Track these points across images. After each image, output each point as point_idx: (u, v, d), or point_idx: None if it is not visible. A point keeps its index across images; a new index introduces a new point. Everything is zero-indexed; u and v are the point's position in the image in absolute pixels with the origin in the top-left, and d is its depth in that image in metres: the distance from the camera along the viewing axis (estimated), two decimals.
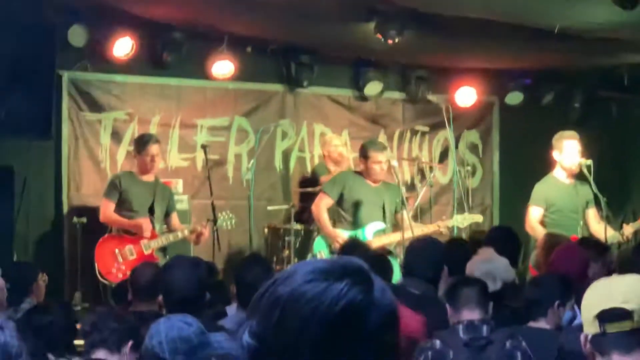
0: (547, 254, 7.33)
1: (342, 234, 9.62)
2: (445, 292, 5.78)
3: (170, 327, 4.15)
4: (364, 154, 9.95)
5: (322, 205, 9.93)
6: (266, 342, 1.70)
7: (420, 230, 9.64)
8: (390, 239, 9.68)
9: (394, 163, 9.86)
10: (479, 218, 10.73)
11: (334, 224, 9.89)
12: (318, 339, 1.66)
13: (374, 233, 9.74)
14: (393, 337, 1.75)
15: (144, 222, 9.53)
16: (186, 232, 9.70)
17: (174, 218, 9.93)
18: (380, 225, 9.79)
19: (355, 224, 9.82)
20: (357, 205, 9.84)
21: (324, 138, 11.59)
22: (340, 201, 9.92)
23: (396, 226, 9.92)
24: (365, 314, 1.69)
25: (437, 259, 6.61)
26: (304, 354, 1.66)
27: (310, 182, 11.25)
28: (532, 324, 5.51)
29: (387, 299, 1.76)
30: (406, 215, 9.67)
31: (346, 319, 1.68)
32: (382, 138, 11.78)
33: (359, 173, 10.08)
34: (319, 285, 1.70)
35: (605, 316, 3.04)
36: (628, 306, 3.04)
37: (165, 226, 9.86)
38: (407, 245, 7.10)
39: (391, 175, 10.00)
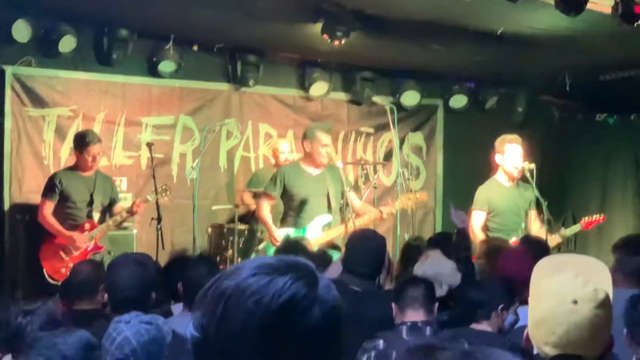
0: (488, 260, 7.40)
1: (279, 235, 9.59)
2: (393, 291, 5.81)
3: (137, 333, 4.14)
4: (310, 137, 9.86)
5: (263, 206, 9.92)
6: (210, 334, 1.71)
7: (365, 217, 9.65)
8: (336, 233, 9.66)
9: (339, 164, 9.87)
10: (423, 197, 10.70)
11: (282, 223, 9.87)
12: (260, 332, 1.67)
13: (322, 227, 9.74)
14: (336, 333, 1.77)
15: (78, 238, 9.49)
16: (124, 214, 9.66)
17: (118, 208, 9.91)
18: (326, 218, 9.79)
19: (301, 219, 9.80)
20: (300, 199, 9.82)
21: (273, 143, 11.58)
22: (284, 197, 9.90)
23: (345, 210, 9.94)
24: (307, 308, 1.71)
25: (377, 254, 6.53)
26: (246, 346, 1.68)
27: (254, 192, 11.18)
28: (474, 326, 5.55)
29: (331, 295, 1.78)
30: (350, 197, 9.72)
31: (288, 312, 1.69)
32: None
33: (298, 163, 10.04)
34: (263, 279, 1.72)
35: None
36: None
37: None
38: (346, 240, 6.92)
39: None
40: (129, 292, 5.42)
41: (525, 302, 5.88)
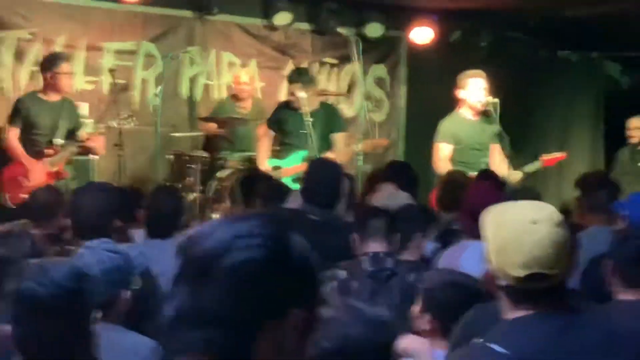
0: (447, 191, 7.45)
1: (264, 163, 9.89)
2: (354, 222, 5.84)
3: (99, 261, 4.14)
4: (290, 83, 10.16)
5: (263, 140, 10.23)
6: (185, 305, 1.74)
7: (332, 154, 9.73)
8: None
9: (301, 94, 9.85)
10: (383, 142, 10.78)
11: (272, 156, 10.12)
12: (230, 294, 1.71)
13: (301, 159, 9.82)
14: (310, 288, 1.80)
15: (36, 167, 9.40)
16: (74, 150, 9.59)
17: (82, 135, 9.84)
18: (304, 152, 9.83)
19: (286, 152, 10.02)
20: (286, 134, 10.03)
21: (235, 74, 11.54)
22: (279, 133, 10.12)
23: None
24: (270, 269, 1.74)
25: (335, 183, 6.56)
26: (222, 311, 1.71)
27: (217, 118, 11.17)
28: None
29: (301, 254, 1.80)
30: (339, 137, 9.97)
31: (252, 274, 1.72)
32: (290, 68, 11.71)
33: (289, 103, 10.15)
34: (232, 241, 1.74)
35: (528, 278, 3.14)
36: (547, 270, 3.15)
37: None
38: (304, 171, 7.00)
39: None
40: (92, 219, 5.41)
41: (477, 236, 5.96)
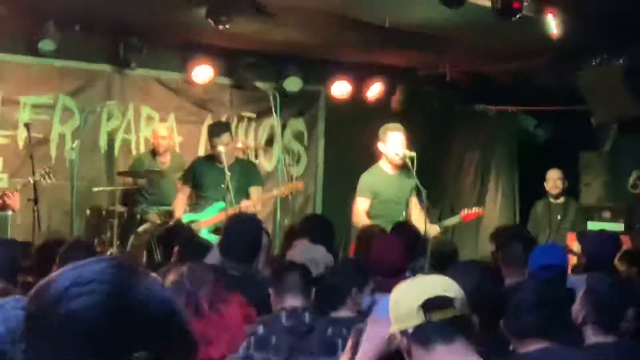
0: (361, 245, 7.49)
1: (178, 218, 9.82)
2: (270, 277, 5.84)
3: (6, 319, 4.06)
4: (210, 137, 10.18)
5: (177, 196, 10.26)
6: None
7: (243, 205, 9.73)
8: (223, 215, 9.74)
9: (220, 148, 9.87)
10: (298, 185, 10.81)
11: (190, 210, 10.13)
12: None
13: (216, 210, 9.85)
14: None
15: None
16: None
17: None
18: (221, 204, 9.81)
19: (203, 206, 10.02)
20: (204, 188, 10.03)
21: (153, 129, 11.53)
22: (195, 187, 10.14)
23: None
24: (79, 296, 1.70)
25: (253, 237, 6.56)
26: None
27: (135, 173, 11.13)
28: (333, 314, 5.49)
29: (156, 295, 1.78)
30: (254, 191, 10.02)
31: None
32: (208, 123, 11.71)
33: (208, 157, 10.31)
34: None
35: (430, 304, 3.17)
36: (449, 294, 3.20)
37: None
38: (224, 225, 6.98)
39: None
40: None
41: (387, 288, 5.99)
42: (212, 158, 10.09)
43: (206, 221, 9.79)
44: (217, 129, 10.22)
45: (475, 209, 10.58)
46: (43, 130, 11.10)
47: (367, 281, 5.71)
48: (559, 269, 6.28)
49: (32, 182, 9.68)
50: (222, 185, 9.66)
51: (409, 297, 3.25)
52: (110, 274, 1.73)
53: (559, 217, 11.50)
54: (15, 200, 9.51)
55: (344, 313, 5.48)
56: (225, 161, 9.64)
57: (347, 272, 5.71)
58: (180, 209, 10.10)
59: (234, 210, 9.28)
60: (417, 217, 9.62)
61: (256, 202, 9.82)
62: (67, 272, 1.74)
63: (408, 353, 3.26)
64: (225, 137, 9.95)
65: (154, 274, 1.80)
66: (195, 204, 10.17)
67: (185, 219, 9.79)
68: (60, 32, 10.76)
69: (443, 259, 7.59)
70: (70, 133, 11.30)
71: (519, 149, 13.85)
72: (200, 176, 10.10)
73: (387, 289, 5.90)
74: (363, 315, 5.67)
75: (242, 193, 9.86)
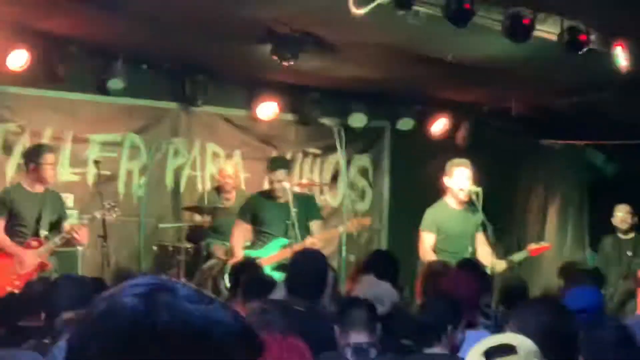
0: (427, 282, 7.44)
1: (239, 255, 9.79)
2: (335, 313, 5.82)
3: None
4: (269, 170, 10.22)
5: (235, 233, 10.18)
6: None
7: (308, 242, 9.73)
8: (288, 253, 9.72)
9: (285, 185, 9.90)
10: (366, 221, 10.81)
11: (250, 247, 10.10)
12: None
13: (279, 247, 9.88)
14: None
15: (28, 256, 9.38)
16: (57, 241, 9.55)
17: (65, 227, 9.84)
18: (283, 241, 9.87)
19: (264, 242, 10.03)
20: (264, 224, 10.04)
21: (220, 167, 11.61)
22: (254, 223, 10.12)
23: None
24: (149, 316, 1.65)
25: (319, 274, 6.53)
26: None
27: (201, 209, 11.21)
28: (427, 350, 5.50)
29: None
30: (316, 226, 10.10)
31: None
32: None
33: (266, 193, 10.34)
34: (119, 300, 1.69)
35: (492, 352, 3.17)
36: (514, 342, 3.20)
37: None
38: (289, 261, 6.95)
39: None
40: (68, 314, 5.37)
41: (469, 325, 5.95)
42: (270, 193, 10.16)
43: (269, 258, 9.79)
44: (273, 164, 10.30)
45: (542, 244, 10.52)
46: (111, 167, 11.23)
47: (461, 318, 5.67)
48: (595, 311, 6.15)
49: (99, 217, 9.76)
50: (287, 221, 9.68)
51: (476, 347, 3.27)
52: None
53: (629, 253, 11.34)
54: (83, 235, 9.61)
55: (437, 350, 5.45)
56: (285, 196, 9.70)
57: (442, 309, 5.66)
58: (239, 245, 10.09)
59: (299, 247, 9.28)
60: (484, 253, 9.55)
61: (321, 238, 9.82)
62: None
63: None
64: (279, 173, 10.04)
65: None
66: (256, 240, 10.17)
67: (247, 254, 9.80)
68: (128, 70, 10.92)
69: (512, 296, 7.53)
70: (138, 170, 11.43)
71: (587, 184, 13.69)
72: (260, 212, 10.13)
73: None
74: (456, 351, 5.64)
75: (302, 228, 9.84)
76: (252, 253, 9.86)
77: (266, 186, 10.76)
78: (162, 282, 1.70)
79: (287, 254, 9.48)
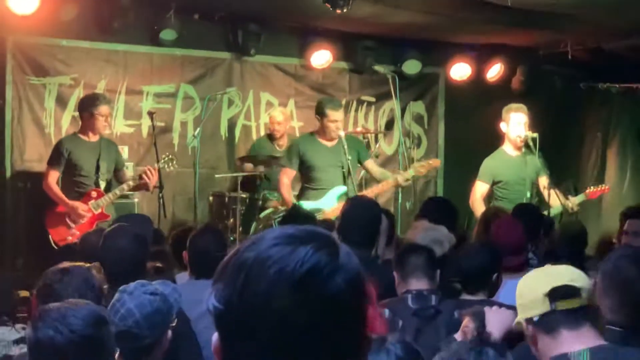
0: (484, 228, 7.39)
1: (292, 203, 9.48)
2: (394, 260, 5.79)
3: (140, 305, 4.13)
4: (320, 112, 9.74)
5: (283, 180, 9.78)
6: (232, 305, 1.69)
7: (380, 186, 9.64)
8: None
9: (341, 133, 9.80)
10: (436, 162, 10.54)
11: (300, 197, 9.74)
12: (283, 302, 1.65)
13: (337, 198, 9.58)
14: (359, 300, 1.75)
15: (80, 206, 9.45)
16: (131, 183, 9.63)
17: (125, 173, 9.89)
18: (341, 189, 9.63)
19: (317, 192, 9.67)
20: (316, 170, 9.70)
21: (270, 114, 11.54)
22: (301, 169, 9.79)
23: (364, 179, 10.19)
24: (330, 276, 1.68)
25: (372, 222, 6.48)
26: (269, 316, 1.66)
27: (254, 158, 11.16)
28: (468, 297, 5.45)
29: (353, 263, 1.76)
30: (369, 165, 9.88)
31: (311, 281, 1.66)
32: None
33: (313, 134, 9.95)
34: (284, 248, 1.68)
35: (556, 293, 3.13)
36: (576, 284, 3.15)
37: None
38: (342, 209, 6.77)
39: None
40: (121, 267, 5.40)
41: (510, 269, 5.90)
42: (320, 135, 9.82)
43: (332, 211, 9.23)
44: (320, 106, 9.87)
45: (600, 187, 10.38)
46: (166, 118, 11.28)
47: (501, 265, 5.66)
48: None
49: (156, 169, 9.79)
50: (338, 166, 9.56)
51: (535, 286, 3.24)
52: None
53: None
54: (154, 178, 9.60)
55: (481, 296, 5.43)
56: (338, 140, 9.57)
57: (486, 258, 5.61)
58: (289, 193, 9.75)
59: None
60: (552, 195, 9.37)
61: (390, 183, 9.69)
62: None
63: (533, 340, 3.22)
64: (333, 113, 9.65)
65: None
66: (305, 187, 9.82)
67: (307, 207, 9.54)
68: (180, 21, 10.90)
69: (572, 240, 7.48)
70: (192, 121, 11.45)
71: None
72: (308, 156, 9.74)
73: (507, 269, 5.86)
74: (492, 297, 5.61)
75: (353, 170, 9.66)
76: (311, 206, 9.36)
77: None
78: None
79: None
